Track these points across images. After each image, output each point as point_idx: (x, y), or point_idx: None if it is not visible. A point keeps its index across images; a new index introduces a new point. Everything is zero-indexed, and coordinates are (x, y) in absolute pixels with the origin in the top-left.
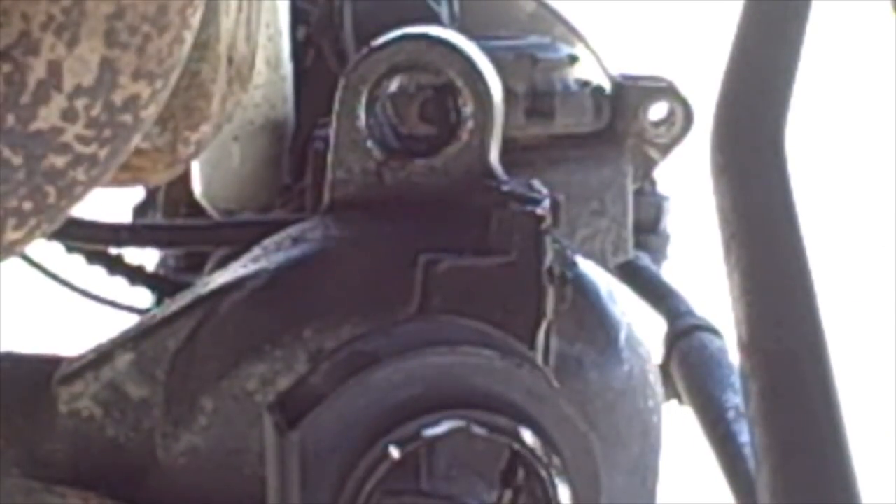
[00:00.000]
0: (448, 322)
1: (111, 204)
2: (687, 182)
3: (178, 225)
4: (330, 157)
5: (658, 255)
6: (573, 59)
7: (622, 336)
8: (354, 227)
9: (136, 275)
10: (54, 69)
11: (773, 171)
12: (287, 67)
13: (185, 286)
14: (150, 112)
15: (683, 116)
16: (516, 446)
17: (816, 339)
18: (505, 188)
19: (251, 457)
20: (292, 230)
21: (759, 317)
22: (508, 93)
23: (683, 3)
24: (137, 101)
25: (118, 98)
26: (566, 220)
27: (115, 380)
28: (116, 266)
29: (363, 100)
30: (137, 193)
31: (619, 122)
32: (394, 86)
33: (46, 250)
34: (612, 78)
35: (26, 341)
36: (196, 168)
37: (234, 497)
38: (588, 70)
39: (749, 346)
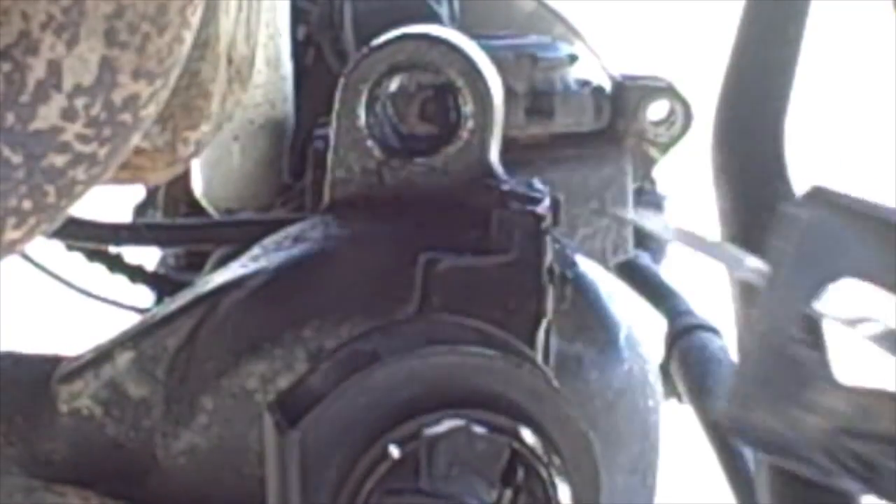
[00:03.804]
0: (448, 322)
1: (111, 203)
2: (687, 182)
3: (178, 224)
4: (330, 157)
5: (658, 254)
6: (573, 59)
7: (622, 336)
8: (354, 226)
9: (136, 274)
10: (54, 68)
11: (773, 171)
12: (287, 67)
13: (185, 285)
14: (150, 111)
15: (683, 116)
16: (516, 446)
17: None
18: (505, 187)
19: (251, 456)
20: (292, 229)
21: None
22: (508, 92)
23: (683, 3)
24: (137, 101)
25: (118, 97)
26: (566, 220)
27: (115, 379)
28: (117, 265)
29: (363, 99)
30: (137, 193)
31: (619, 121)
32: (394, 85)
33: (47, 249)
34: (612, 78)
35: (26, 341)
36: (196, 167)
37: (234, 496)
38: (588, 70)
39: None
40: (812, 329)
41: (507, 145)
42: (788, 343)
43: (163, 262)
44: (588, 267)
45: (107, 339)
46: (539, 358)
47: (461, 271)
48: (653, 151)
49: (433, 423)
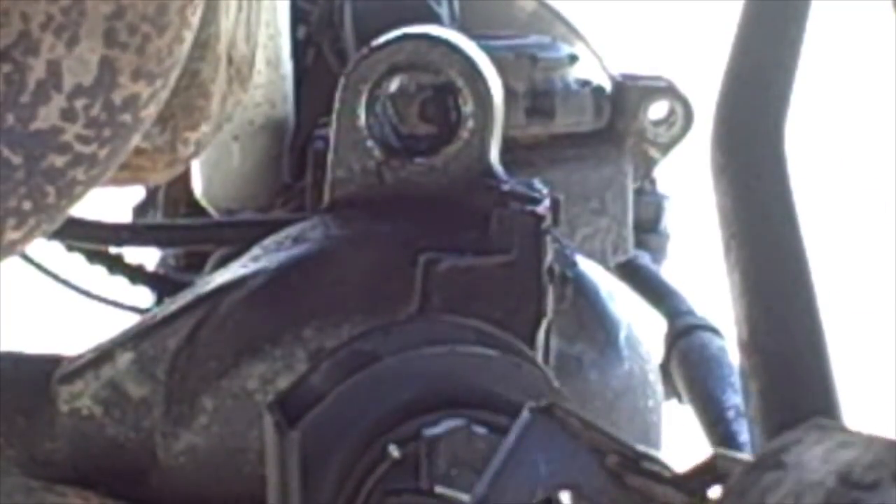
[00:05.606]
0: (448, 322)
1: (111, 204)
2: (687, 182)
3: (178, 224)
4: (330, 157)
5: (658, 254)
6: (573, 59)
7: (622, 335)
8: (354, 226)
9: (136, 274)
10: (54, 69)
11: (773, 171)
12: (287, 67)
13: (185, 285)
14: (150, 112)
15: (683, 116)
16: None
17: (816, 339)
18: (505, 187)
19: (251, 456)
20: (292, 229)
21: (759, 317)
22: (509, 92)
23: (683, 3)
24: (137, 101)
25: (118, 98)
26: (566, 220)
27: (116, 379)
28: (117, 265)
29: (363, 99)
30: (137, 193)
31: (620, 121)
32: (394, 85)
33: (47, 250)
34: (612, 77)
35: (26, 341)
36: (196, 168)
37: (234, 496)
38: (588, 69)
39: (749, 346)
40: None
41: (507, 145)
42: None
43: (163, 262)
44: (588, 267)
45: (107, 340)
46: (539, 358)
47: (461, 271)
48: (653, 151)
49: (433, 423)
